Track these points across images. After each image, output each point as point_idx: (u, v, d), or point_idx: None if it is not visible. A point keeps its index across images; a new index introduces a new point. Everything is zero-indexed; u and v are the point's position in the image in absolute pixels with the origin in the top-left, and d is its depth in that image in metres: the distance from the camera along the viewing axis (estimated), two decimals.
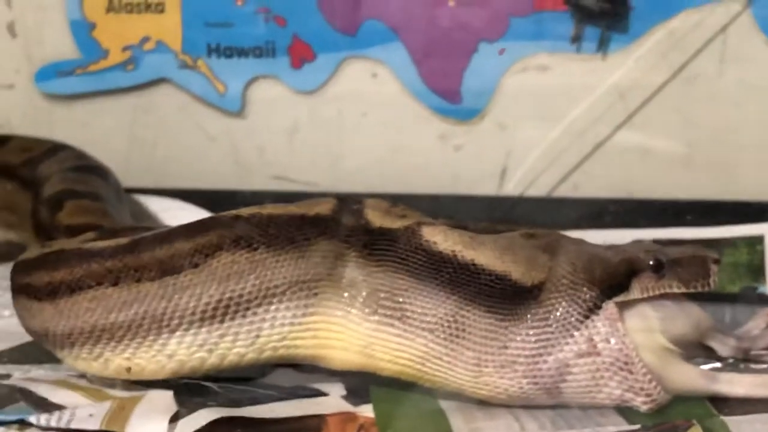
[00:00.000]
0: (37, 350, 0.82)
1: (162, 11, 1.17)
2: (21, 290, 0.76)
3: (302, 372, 0.78)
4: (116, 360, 0.72)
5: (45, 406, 0.70)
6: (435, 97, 1.13)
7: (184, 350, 0.71)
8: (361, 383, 0.74)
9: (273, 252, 0.71)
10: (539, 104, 1.12)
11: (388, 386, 0.73)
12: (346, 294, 0.72)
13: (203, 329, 0.71)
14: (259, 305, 0.71)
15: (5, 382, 0.75)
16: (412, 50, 1.13)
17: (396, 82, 1.14)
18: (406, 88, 1.14)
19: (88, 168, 1.03)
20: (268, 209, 0.73)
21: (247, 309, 0.71)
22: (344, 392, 0.74)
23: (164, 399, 0.70)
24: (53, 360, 0.78)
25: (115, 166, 1.13)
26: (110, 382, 0.74)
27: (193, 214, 1.11)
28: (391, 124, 1.15)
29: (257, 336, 0.72)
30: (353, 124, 1.16)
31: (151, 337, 0.71)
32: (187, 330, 0.71)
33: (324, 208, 0.73)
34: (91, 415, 0.67)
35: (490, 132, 1.13)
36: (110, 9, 1.18)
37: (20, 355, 0.83)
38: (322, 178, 1.17)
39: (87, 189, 0.98)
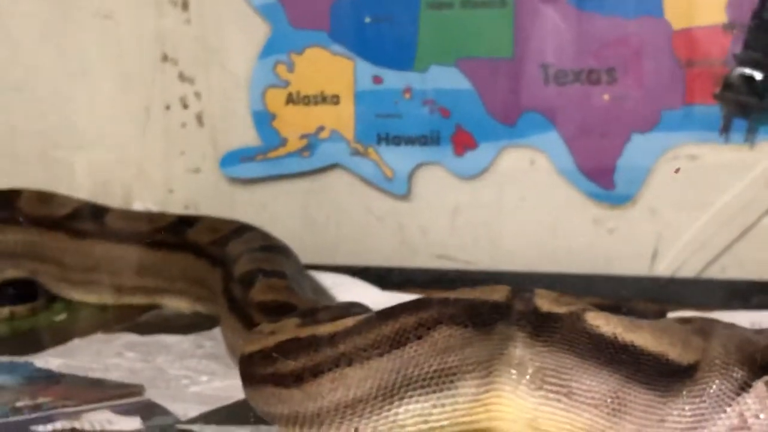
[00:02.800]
0: (233, 414, 0.92)
1: (337, 103, 1.27)
2: (265, 380, 0.85)
3: None
4: None
5: None
6: (589, 183, 1.21)
7: (410, 419, 0.79)
8: None
9: (473, 331, 0.80)
10: (689, 191, 1.18)
11: None
12: (514, 372, 0.80)
13: (426, 398, 0.80)
14: (459, 379, 0.80)
15: None
16: (568, 139, 1.21)
17: (552, 168, 1.22)
18: (562, 175, 1.22)
19: (272, 248, 1.14)
20: (466, 294, 0.82)
21: (451, 381, 0.80)
22: None
23: None
24: (250, 422, 0.88)
25: (290, 244, 1.24)
26: None
27: (363, 289, 1.20)
28: (547, 207, 1.23)
29: (454, 409, 0.80)
30: (511, 207, 1.24)
31: (386, 408, 0.79)
32: (411, 399, 0.79)
33: (501, 295, 0.81)
34: None
35: (641, 216, 1.20)
36: (289, 101, 1.29)
37: (219, 417, 0.92)
38: (482, 257, 1.25)
39: (274, 268, 1.08)
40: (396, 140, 1.26)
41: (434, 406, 0.80)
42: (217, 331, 1.13)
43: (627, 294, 1.15)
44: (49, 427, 0.87)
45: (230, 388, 0.99)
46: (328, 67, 1.27)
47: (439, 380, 0.80)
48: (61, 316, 1.24)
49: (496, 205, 1.24)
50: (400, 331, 0.80)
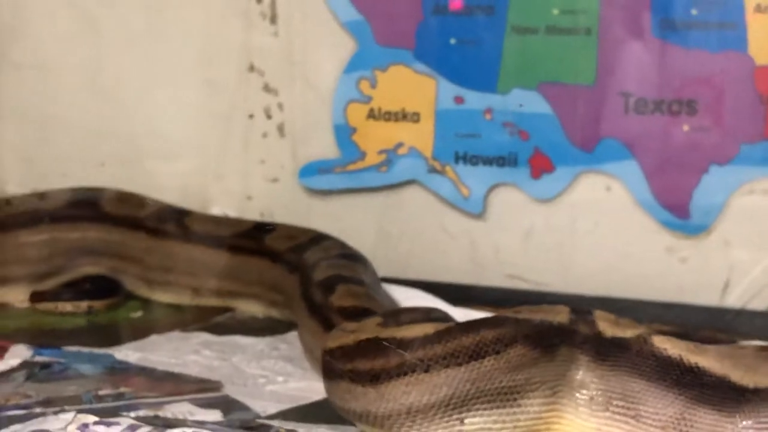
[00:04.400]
0: (310, 413, 0.94)
1: (417, 121, 1.30)
2: (345, 375, 0.87)
3: None
4: None
5: None
6: (664, 212, 1.22)
7: (476, 430, 0.81)
8: None
9: (540, 352, 0.82)
10: (763, 224, 1.19)
11: None
12: (576, 393, 0.83)
13: (490, 412, 0.82)
14: (523, 397, 0.82)
15: None
16: (645, 167, 1.22)
17: (628, 195, 1.23)
18: (638, 202, 1.23)
19: (351, 256, 1.16)
20: (530, 313, 0.84)
21: (515, 399, 0.82)
22: None
23: None
24: (328, 421, 0.90)
25: None
26: None
27: (433, 304, 1.21)
28: (621, 234, 1.24)
29: (515, 426, 0.82)
30: (585, 232, 1.26)
31: (455, 418, 0.82)
32: (479, 411, 0.82)
33: (563, 317, 0.84)
34: None
35: (715, 247, 1.21)
36: (370, 116, 1.32)
37: (297, 415, 0.94)
38: (553, 279, 1.27)
39: (353, 275, 1.10)
40: (474, 160, 1.28)
41: (495, 422, 0.82)
42: (291, 336, 1.15)
43: (696, 323, 1.17)
44: (132, 414, 0.89)
45: (306, 389, 1.01)
46: (411, 85, 1.29)
47: (505, 396, 0.82)
48: (137, 314, 1.27)
49: (569, 228, 1.26)
50: (480, 344, 0.82)
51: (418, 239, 1.32)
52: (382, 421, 0.84)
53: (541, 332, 0.82)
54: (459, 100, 1.28)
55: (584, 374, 0.83)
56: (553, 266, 1.27)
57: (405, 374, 0.83)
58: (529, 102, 1.25)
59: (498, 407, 0.82)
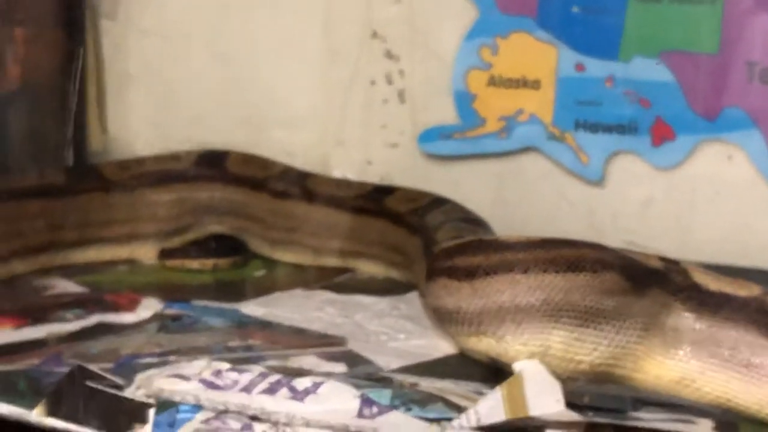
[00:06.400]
0: (433, 369, 0.97)
1: (537, 88, 1.31)
2: (442, 272, 0.91)
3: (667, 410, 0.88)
4: (514, 344, 0.86)
5: (456, 408, 0.83)
6: None
7: (557, 344, 0.84)
8: (733, 419, 0.85)
9: (632, 287, 0.86)
10: None
11: (761, 425, 0.83)
12: (668, 336, 0.87)
13: (575, 329, 0.85)
14: (608, 323, 0.86)
15: (418, 388, 0.89)
16: None
17: (750, 166, 1.23)
18: (760, 173, 1.23)
19: (473, 220, 1.18)
20: (630, 254, 0.89)
21: (599, 323, 0.86)
22: (713, 424, 0.84)
23: (540, 374, 0.82)
24: (450, 376, 0.92)
25: None
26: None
27: None
28: (741, 204, 1.24)
29: (594, 349, 0.86)
30: (705, 201, 1.26)
31: (542, 326, 0.84)
32: (564, 325, 0.84)
33: (656, 263, 0.87)
34: (492, 408, 0.79)
35: None
36: (491, 83, 1.33)
37: (420, 370, 0.96)
38: (670, 247, 1.27)
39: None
40: (593, 127, 1.28)
41: (578, 339, 0.85)
42: (410, 296, 1.17)
43: None
44: (261, 364, 0.93)
45: (428, 346, 1.04)
46: (532, 53, 1.30)
47: (591, 317, 0.85)
48: (260, 272, 1.31)
49: (689, 197, 1.26)
50: (580, 259, 0.86)
51: (536, 206, 1.33)
52: (471, 318, 0.87)
53: (637, 269, 0.86)
54: (580, 67, 1.29)
55: (677, 321, 0.86)
56: (671, 234, 1.27)
57: (502, 272, 0.86)
58: (650, 70, 1.25)
59: (583, 326, 0.85)
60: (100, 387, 0.72)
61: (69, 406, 0.73)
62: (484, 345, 0.88)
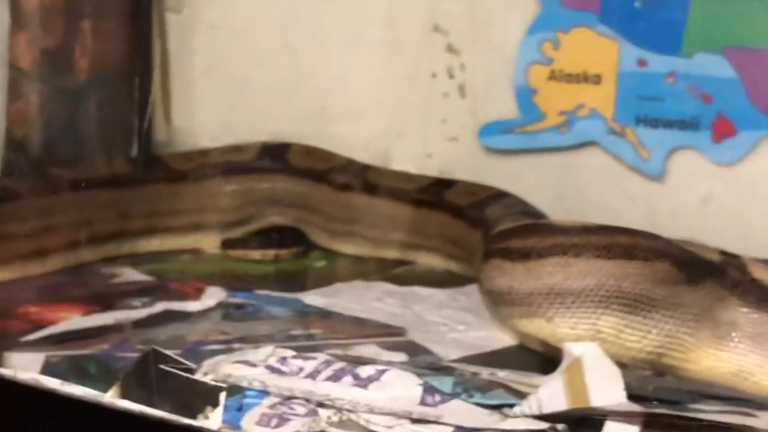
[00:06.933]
0: (493, 360, 0.98)
1: (598, 83, 1.31)
2: (497, 253, 0.93)
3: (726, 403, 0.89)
4: (563, 327, 0.87)
5: (518, 395, 0.84)
6: None
7: (606, 329, 0.85)
8: None
9: (686, 278, 0.88)
10: None
11: None
12: (721, 329, 0.87)
13: (625, 315, 0.86)
14: (659, 312, 0.87)
15: (480, 376, 0.90)
16: None
17: None
18: None
19: (533, 213, 1.18)
20: (686, 245, 0.91)
21: (650, 311, 0.87)
22: None
23: (601, 361, 0.82)
24: (511, 367, 0.93)
25: None
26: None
27: None
28: None
29: (644, 336, 0.87)
30: (765, 197, 1.25)
31: (592, 311, 0.85)
32: (614, 311, 0.86)
33: (713, 255, 0.87)
34: (553, 396, 0.80)
35: None
36: (552, 78, 1.34)
37: (480, 361, 0.97)
38: (729, 243, 1.26)
39: None
40: (654, 123, 1.29)
41: (627, 326, 0.86)
42: (469, 288, 1.18)
43: None
44: (324, 352, 0.94)
45: (487, 338, 1.05)
46: (593, 48, 1.31)
47: (642, 305, 0.87)
48: (321, 263, 1.33)
49: (749, 193, 1.26)
50: (634, 246, 0.87)
51: (596, 201, 1.33)
52: (522, 298, 0.89)
53: (691, 261, 0.88)
54: (642, 62, 1.29)
55: (733, 315, 0.87)
56: (731, 230, 1.27)
57: (555, 255, 0.87)
58: (712, 66, 1.25)
59: (633, 313, 0.86)
60: (172, 370, 0.75)
61: (142, 389, 0.75)
62: (534, 326, 0.89)
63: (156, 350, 0.75)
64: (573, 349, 0.83)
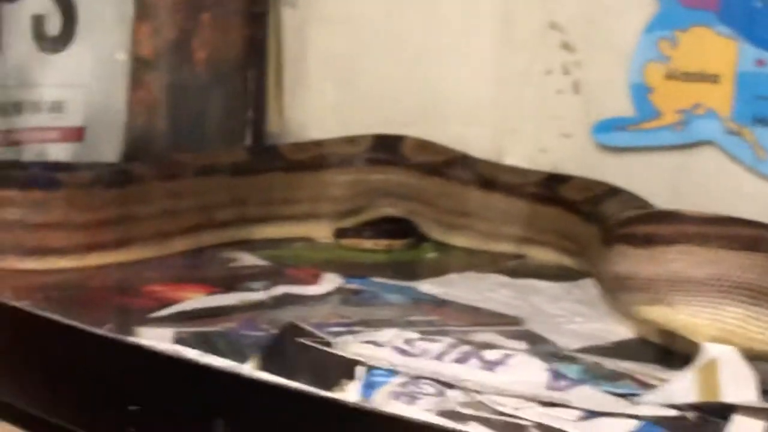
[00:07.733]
0: (613, 351, 0.98)
1: (716, 82, 1.31)
2: (620, 239, 0.93)
3: None
4: (682, 314, 0.87)
5: (645, 386, 0.85)
6: None
7: (730, 319, 0.85)
8: None
9: None
10: None
11: None
12: None
13: (748, 307, 0.86)
14: None
15: (604, 366, 0.91)
16: None
17: None
18: None
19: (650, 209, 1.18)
20: None
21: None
22: None
23: (736, 362, 0.82)
24: (632, 358, 0.94)
25: None
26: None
27: None
28: None
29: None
30: None
31: (715, 300, 0.85)
32: (737, 302, 0.86)
33: None
34: (683, 389, 0.80)
35: None
36: (669, 76, 1.33)
37: (600, 351, 0.97)
38: None
39: None
40: None
41: (750, 318, 0.86)
42: (584, 282, 1.18)
43: None
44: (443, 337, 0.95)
45: (605, 330, 1.05)
46: (711, 47, 1.30)
47: (764, 297, 0.85)
48: (432, 255, 1.34)
49: None
50: (758, 239, 0.87)
51: (711, 200, 1.33)
52: (644, 284, 0.89)
53: None
54: (761, 63, 1.28)
55: None
56: None
57: (680, 242, 0.87)
58: None
59: (756, 305, 0.85)
60: (311, 343, 0.76)
61: (281, 361, 0.77)
62: (655, 313, 0.89)
63: (294, 324, 0.77)
64: (710, 349, 0.84)
